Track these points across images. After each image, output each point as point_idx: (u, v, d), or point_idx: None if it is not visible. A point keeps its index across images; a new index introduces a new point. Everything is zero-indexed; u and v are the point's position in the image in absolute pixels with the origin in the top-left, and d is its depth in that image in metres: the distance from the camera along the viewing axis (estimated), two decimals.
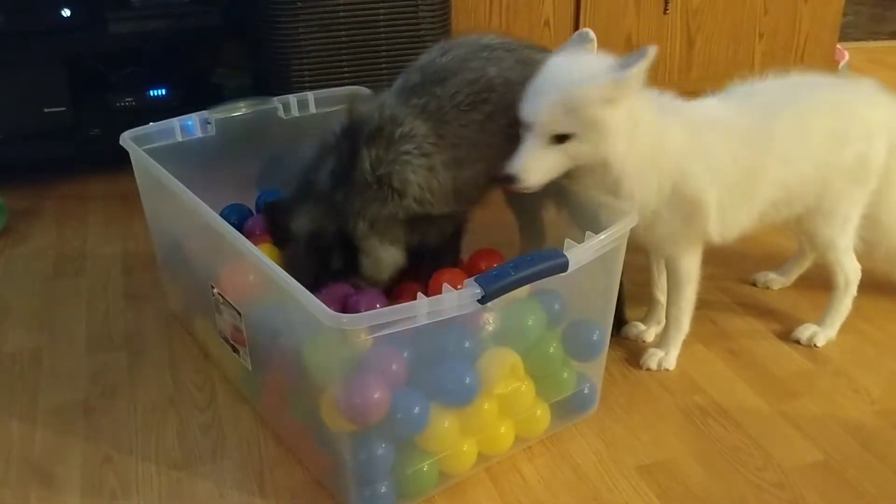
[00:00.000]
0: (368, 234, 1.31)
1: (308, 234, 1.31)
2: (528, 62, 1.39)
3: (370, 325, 1.04)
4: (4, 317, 1.65)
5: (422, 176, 1.30)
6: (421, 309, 1.05)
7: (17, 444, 1.33)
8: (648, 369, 1.48)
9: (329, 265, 1.31)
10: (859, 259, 1.54)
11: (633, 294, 1.67)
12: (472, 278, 1.09)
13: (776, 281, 1.74)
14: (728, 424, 1.37)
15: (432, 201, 1.31)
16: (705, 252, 1.45)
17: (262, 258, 1.16)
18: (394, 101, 1.34)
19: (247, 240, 1.22)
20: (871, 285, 1.60)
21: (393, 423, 1.13)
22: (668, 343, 1.49)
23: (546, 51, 1.46)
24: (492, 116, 1.34)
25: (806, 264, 1.72)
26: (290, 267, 1.28)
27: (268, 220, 1.38)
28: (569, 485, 1.25)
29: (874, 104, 1.49)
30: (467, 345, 1.18)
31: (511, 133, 1.35)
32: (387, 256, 1.33)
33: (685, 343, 1.53)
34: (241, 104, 1.66)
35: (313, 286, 1.28)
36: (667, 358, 1.49)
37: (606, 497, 1.23)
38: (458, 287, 1.08)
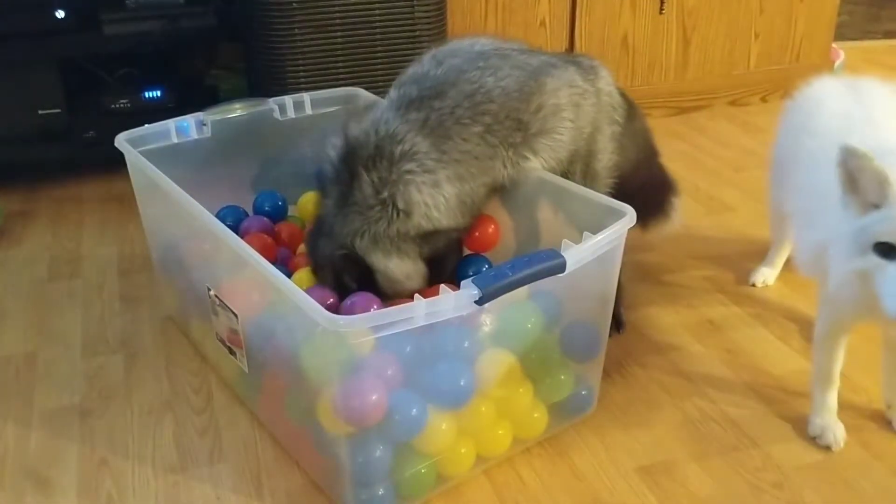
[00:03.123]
0: (371, 249, 1.30)
1: (332, 263, 1.31)
2: (523, 68, 1.38)
3: (368, 326, 1.03)
4: None
5: (427, 194, 1.29)
6: (418, 310, 1.05)
7: (13, 448, 1.33)
8: None
9: (343, 286, 1.30)
10: None
11: (631, 294, 1.67)
12: (470, 279, 1.08)
13: (770, 274, 1.74)
14: (726, 425, 1.37)
15: (439, 217, 1.30)
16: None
17: (258, 260, 1.15)
18: (391, 116, 1.32)
19: (243, 242, 1.22)
20: None
21: (390, 425, 1.12)
22: None
23: (540, 53, 1.46)
24: (491, 127, 1.33)
25: (787, 250, 1.72)
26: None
27: (329, 272, 1.35)
28: (567, 486, 1.25)
29: None
30: (465, 346, 1.17)
31: (511, 141, 1.35)
32: (396, 269, 1.32)
33: (682, 344, 1.52)
34: (237, 105, 1.65)
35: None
36: None
37: (605, 498, 1.23)
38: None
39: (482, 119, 1.33)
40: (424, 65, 1.40)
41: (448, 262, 1.44)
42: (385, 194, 1.27)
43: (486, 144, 1.33)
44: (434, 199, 1.29)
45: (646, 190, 1.55)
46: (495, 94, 1.34)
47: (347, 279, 1.31)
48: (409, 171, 1.28)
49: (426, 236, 1.32)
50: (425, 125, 1.31)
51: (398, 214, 1.28)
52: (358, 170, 1.28)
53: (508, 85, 1.35)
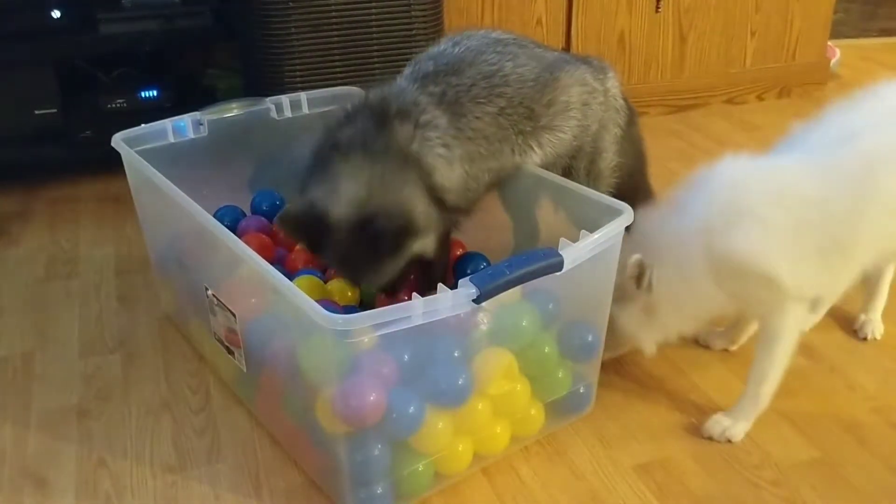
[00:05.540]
0: (427, 152, 1.28)
1: (352, 211, 1.23)
2: (539, 60, 1.40)
3: (366, 325, 1.03)
4: None
5: (443, 164, 1.30)
6: (416, 309, 1.05)
7: (11, 448, 1.32)
8: (710, 438, 1.33)
9: (385, 247, 1.25)
10: None
11: None
12: (468, 277, 1.09)
13: None
14: None
15: (449, 190, 1.31)
16: None
17: (256, 260, 1.15)
18: (410, 86, 1.34)
19: (241, 241, 1.22)
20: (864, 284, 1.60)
21: (388, 424, 1.12)
22: (740, 411, 1.34)
23: (553, 49, 1.47)
24: (504, 110, 1.35)
25: None
26: (342, 264, 1.27)
27: (291, 226, 1.29)
28: (566, 484, 1.25)
29: None
30: (461, 345, 1.17)
31: (521, 128, 1.36)
32: (432, 211, 1.30)
33: (681, 342, 1.52)
34: (234, 105, 1.65)
35: (374, 276, 1.25)
36: (733, 428, 1.33)
37: (604, 496, 1.23)
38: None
39: (497, 101, 1.34)
40: (441, 44, 1.42)
41: (438, 259, 1.44)
42: (415, 147, 1.27)
43: (497, 126, 1.34)
44: (448, 173, 1.30)
45: (631, 199, 1.56)
46: (512, 78, 1.36)
47: (388, 240, 1.25)
48: (429, 140, 1.29)
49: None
50: (443, 100, 1.32)
51: (421, 172, 1.28)
52: (388, 119, 1.27)
53: (525, 73, 1.37)
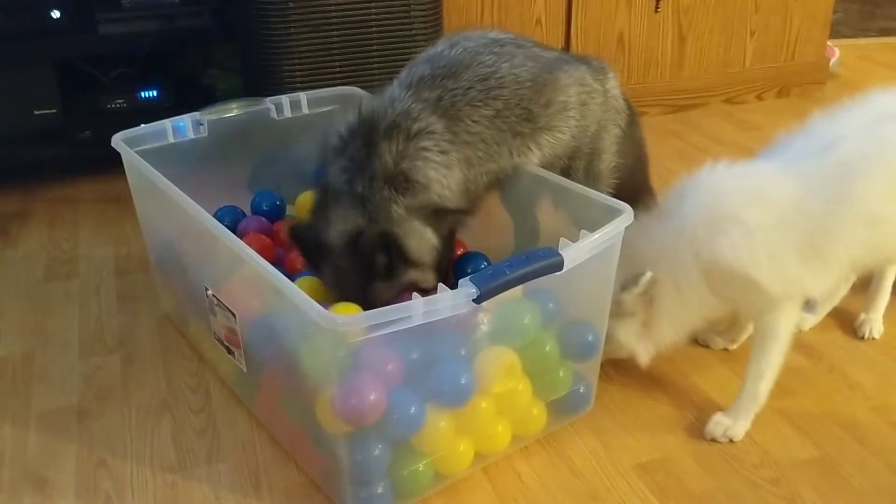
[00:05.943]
0: (408, 217, 1.28)
1: (345, 238, 1.27)
2: (537, 60, 1.39)
3: (366, 325, 1.03)
4: None
5: (441, 173, 1.29)
6: (416, 309, 1.05)
7: (10, 448, 1.33)
8: (713, 439, 1.33)
9: (374, 267, 1.26)
10: None
11: None
12: (468, 277, 1.09)
13: None
14: None
15: (450, 197, 1.31)
16: None
17: (256, 259, 1.15)
18: (403, 94, 1.33)
19: (241, 241, 1.22)
20: (865, 284, 1.60)
21: (389, 424, 1.12)
22: (739, 410, 1.34)
23: (552, 49, 1.47)
24: (501, 113, 1.34)
25: None
26: (336, 284, 1.28)
27: (298, 244, 1.34)
28: (566, 484, 1.25)
29: None
30: (463, 345, 1.18)
31: (518, 130, 1.36)
32: (430, 237, 1.30)
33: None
34: (234, 105, 1.65)
35: (363, 297, 1.25)
36: (734, 427, 1.33)
37: (603, 495, 1.23)
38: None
39: (493, 104, 1.34)
40: (438, 46, 1.42)
41: (442, 259, 1.44)
42: (405, 165, 1.27)
43: (495, 129, 1.34)
44: (447, 179, 1.30)
45: (632, 200, 1.56)
46: (508, 80, 1.36)
47: (379, 256, 1.26)
48: (425, 149, 1.29)
49: (434, 214, 1.31)
50: (438, 105, 1.31)
51: (417, 187, 1.28)
52: (376, 139, 1.28)
53: (521, 74, 1.37)
